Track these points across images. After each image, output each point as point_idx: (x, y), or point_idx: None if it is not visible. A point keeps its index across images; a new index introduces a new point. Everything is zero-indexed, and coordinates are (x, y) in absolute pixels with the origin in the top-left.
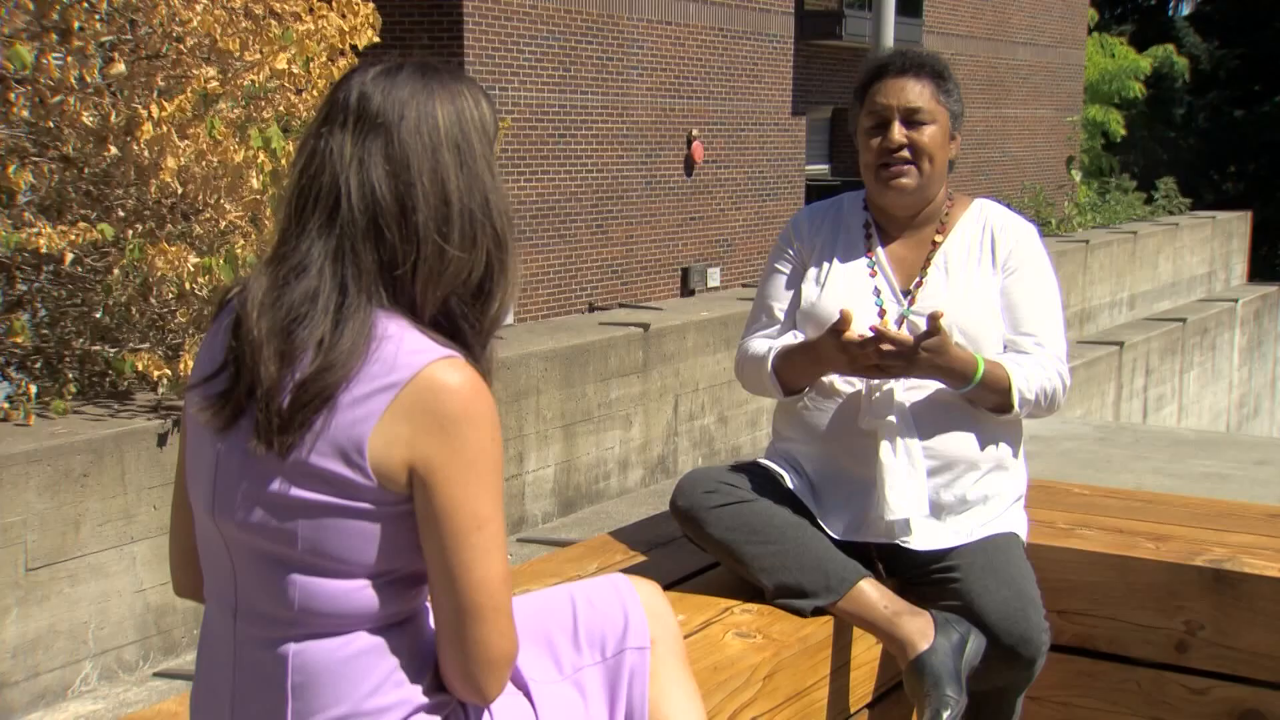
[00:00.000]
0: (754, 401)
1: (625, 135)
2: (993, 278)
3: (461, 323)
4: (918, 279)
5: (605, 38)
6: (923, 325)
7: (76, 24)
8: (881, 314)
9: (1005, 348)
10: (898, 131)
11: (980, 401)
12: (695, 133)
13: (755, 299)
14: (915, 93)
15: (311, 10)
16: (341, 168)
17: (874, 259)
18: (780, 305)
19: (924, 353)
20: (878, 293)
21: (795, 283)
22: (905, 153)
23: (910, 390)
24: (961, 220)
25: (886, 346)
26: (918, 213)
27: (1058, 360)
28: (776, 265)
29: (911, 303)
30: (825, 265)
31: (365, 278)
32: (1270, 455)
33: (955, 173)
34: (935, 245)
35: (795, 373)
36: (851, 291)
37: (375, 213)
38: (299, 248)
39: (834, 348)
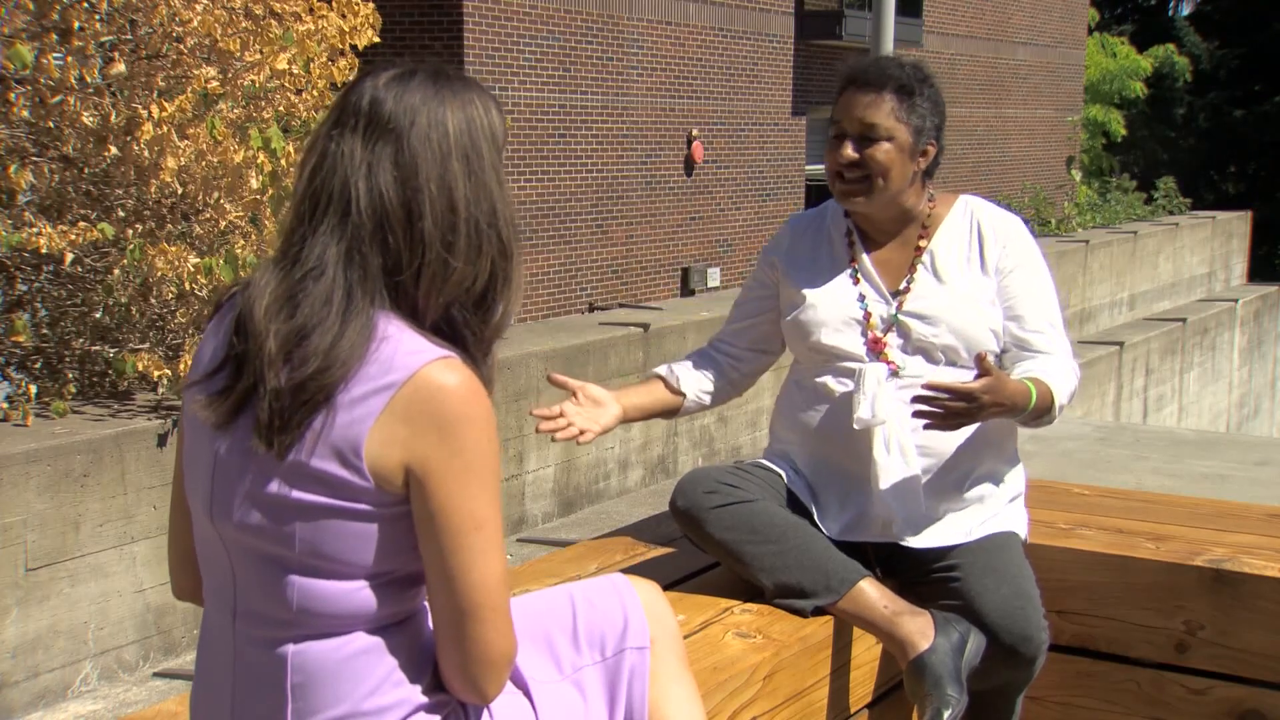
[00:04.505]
0: (754, 401)
1: (625, 135)
2: (983, 278)
3: (464, 330)
4: (904, 282)
5: (605, 38)
6: (914, 327)
7: (76, 24)
8: (867, 317)
9: (1006, 347)
10: (848, 148)
11: (1020, 422)
12: (695, 133)
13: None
14: (872, 110)
15: (311, 10)
16: (351, 171)
17: (857, 267)
18: (742, 317)
19: (985, 396)
20: (862, 299)
21: (764, 296)
22: (856, 170)
23: (903, 389)
24: (947, 220)
25: (944, 396)
26: (895, 217)
27: (1068, 356)
28: (754, 275)
29: (900, 306)
30: (807, 279)
31: (370, 281)
32: (1270, 455)
33: (956, 173)
34: (920, 249)
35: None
36: (835, 301)
37: (382, 218)
38: (311, 250)
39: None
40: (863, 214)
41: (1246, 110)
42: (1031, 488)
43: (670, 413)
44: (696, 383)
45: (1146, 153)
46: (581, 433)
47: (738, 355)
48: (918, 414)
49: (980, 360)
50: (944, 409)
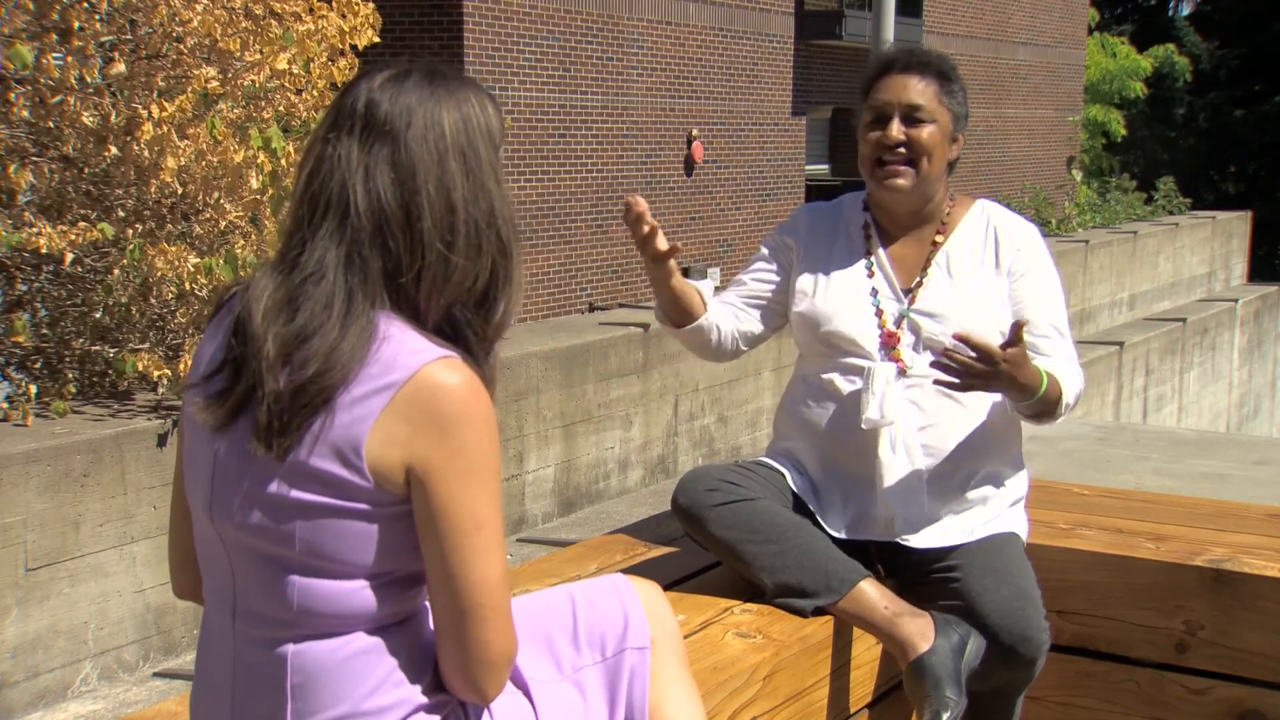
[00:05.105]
0: (754, 401)
1: (625, 135)
2: (995, 280)
3: (466, 330)
4: (918, 279)
5: (605, 38)
6: (923, 325)
7: (76, 24)
8: (879, 314)
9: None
10: (895, 128)
11: (1026, 409)
12: (695, 133)
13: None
14: (918, 91)
15: (311, 10)
16: (349, 174)
17: (872, 260)
18: (748, 287)
19: (1004, 364)
20: (875, 293)
21: (776, 273)
22: (902, 150)
23: (910, 389)
24: (964, 221)
25: (969, 354)
26: (916, 211)
27: (1073, 360)
28: (765, 250)
29: (912, 302)
30: (821, 267)
31: (371, 284)
32: (1270, 455)
33: (956, 173)
34: (936, 245)
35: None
36: (848, 293)
37: (381, 220)
38: (311, 254)
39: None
40: (888, 206)
41: (1246, 110)
42: (1032, 488)
43: (685, 318)
44: (716, 314)
45: (1146, 153)
46: (672, 248)
47: (740, 318)
48: (935, 364)
49: (1016, 328)
50: (963, 366)
